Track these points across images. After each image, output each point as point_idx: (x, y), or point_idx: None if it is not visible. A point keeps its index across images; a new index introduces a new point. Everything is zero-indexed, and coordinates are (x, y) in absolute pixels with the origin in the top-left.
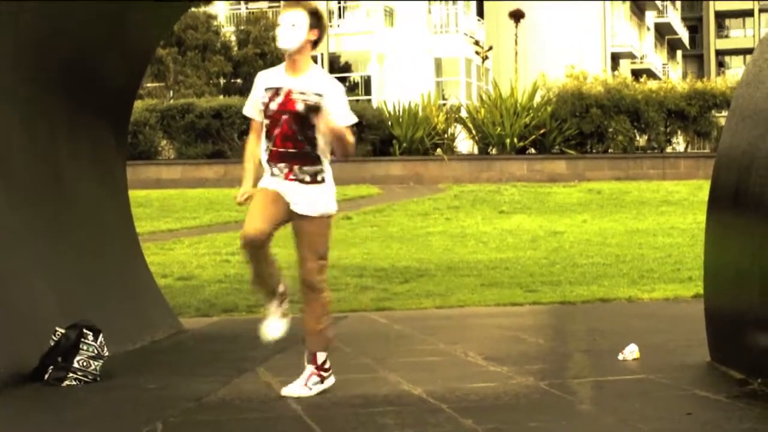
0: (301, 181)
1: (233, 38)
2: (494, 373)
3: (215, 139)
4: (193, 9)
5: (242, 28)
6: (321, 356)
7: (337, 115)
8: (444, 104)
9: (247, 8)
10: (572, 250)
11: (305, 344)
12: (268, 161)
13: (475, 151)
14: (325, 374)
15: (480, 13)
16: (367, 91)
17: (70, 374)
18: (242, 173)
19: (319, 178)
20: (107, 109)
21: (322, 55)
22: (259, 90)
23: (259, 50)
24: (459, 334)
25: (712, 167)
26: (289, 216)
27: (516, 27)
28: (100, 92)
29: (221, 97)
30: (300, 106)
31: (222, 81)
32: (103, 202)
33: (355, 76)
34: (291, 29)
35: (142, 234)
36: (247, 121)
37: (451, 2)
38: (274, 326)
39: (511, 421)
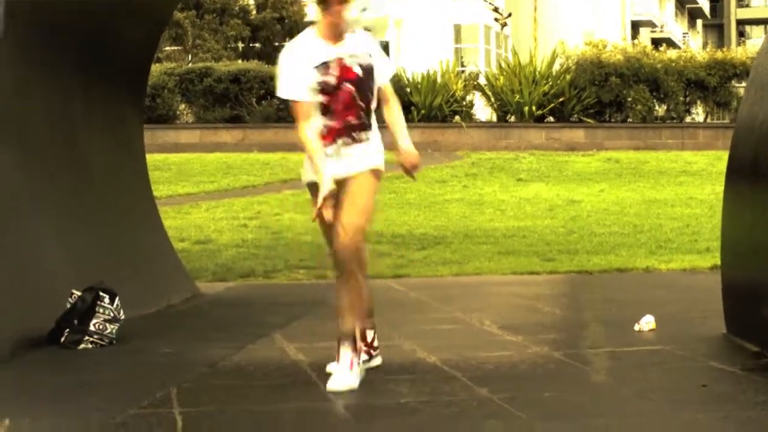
0: (358, 141)
1: (251, 2)
2: (510, 342)
3: (233, 104)
4: None
5: None
6: (370, 333)
7: (385, 72)
8: (463, 71)
9: None
10: (590, 219)
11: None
12: (327, 139)
13: (494, 118)
14: (373, 352)
15: None
16: None
17: (86, 337)
18: (316, 169)
19: (367, 137)
20: (124, 72)
21: None
22: (303, 68)
23: (277, 14)
24: (475, 303)
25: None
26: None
27: None
28: (116, 55)
29: (239, 61)
30: (358, 70)
31: (240, 45)
32: (120, 167)
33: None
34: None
35: (159, 198)
36: (265, 85)
37: None
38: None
39: (526, 391)
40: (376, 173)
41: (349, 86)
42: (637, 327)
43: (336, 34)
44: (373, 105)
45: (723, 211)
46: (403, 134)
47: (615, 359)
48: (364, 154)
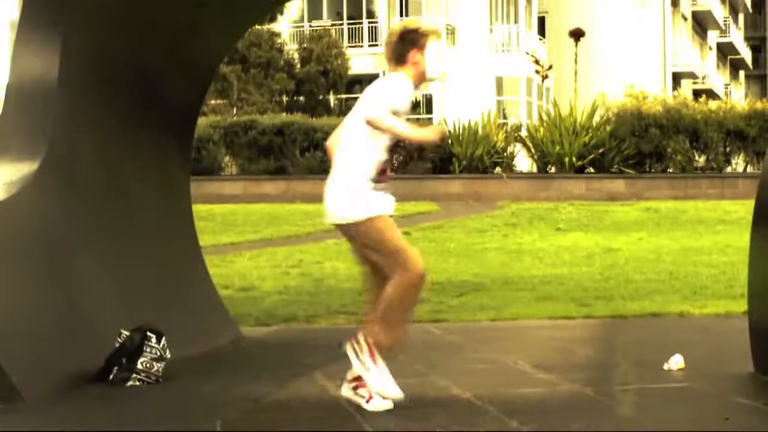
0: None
1: (296, 56)
2: (542, 380)
3: (277, 156)
4: (257, 26)
5: (305, 45)
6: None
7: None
8: (504, 123)
9: (310, 26)
10: (627, 267)
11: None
12: (381, 173)
13: (534, 169)
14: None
15: (541, 31)
16: (429, 110)
17: (134, 375)
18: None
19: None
20: (172, 124)
21: (383, 72)
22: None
23: (321, 68)
24: (510, 345)
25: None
26: None
27: (576, 46)
28: (164, 108)
29: (283, 114)
30: None
31: (284, 98)
32: (167, 213)
33: (416, 94)
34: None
35: (204, 247)
36: (308, 137)
37: (512, 21)
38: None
39: (555, 423)
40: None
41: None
42: (666, 366)
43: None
44: (347, 147)
45: (750, 255)
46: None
47: (642, 395)
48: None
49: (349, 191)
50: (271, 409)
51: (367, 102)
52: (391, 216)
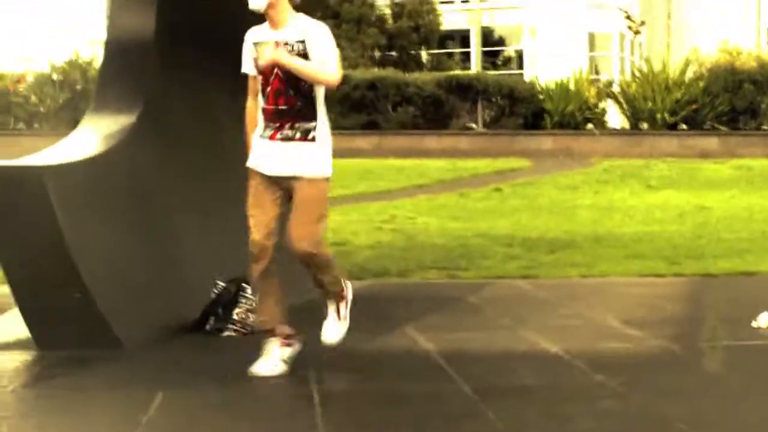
0: (289, 138)
1: (388, 11)
2: (630, 336)
3: (370, 110)
4: None
5: (397, 1)
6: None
7: (317, 60)
8: (597, 79)
9: None
10: (718, 225)
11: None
12: (263, 119)
13: (626, 126)
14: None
15: None
16: (520, 66)
17: (230, 325)
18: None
19: (310, 135)
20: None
21: (474, 28)
22: (247, 44)
23: (413, 23)
24: (600, 301)
25: None
26: (285, 189)
27: (669, 1)
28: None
29: (376, 69)
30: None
31: (377, 53)
32: None
33: (508, 50)
34: None
35: None
36: (401, 92)
37: None
38: (265, 365)
39: (641, 378)
40: (323, 180)
41: (276, 71)
42: (755, 324)
43: (274, 23)
44: (318, 97)
45: None
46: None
47: (729, 351)
48: (309, 156)
49: None
50: (361, 359)
51: None
52: (259, 173)
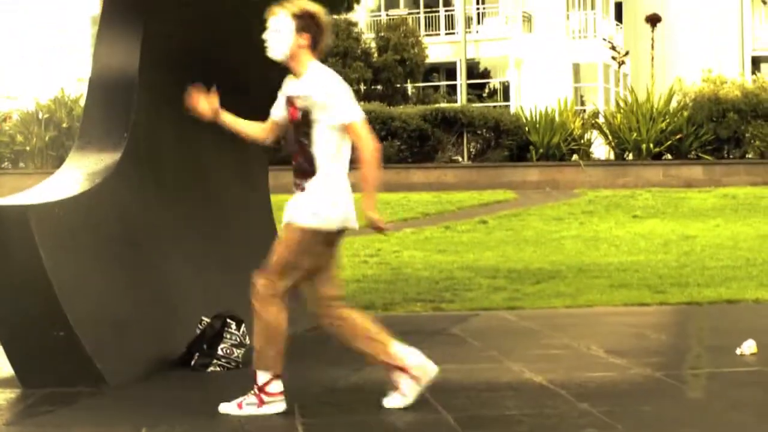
0: (295, 191)
1: (373, 45)
2: (614, 365)
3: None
4: (334, 16)
5: (382, 34)
6: (261, 376)
7: (327, 116)
8: (581, 110)
9: (387, 15)
10: (703, 254)
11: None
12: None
13: (612, 156)
14: (265, 398)
15: (618, 17)
16: (506, 97)
17: (215, 361)
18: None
19: (304, 186)
20: (251, 114)
21: (460, 61)
22: (283, 94)
23: (398, 57)
24: (585, 331)
25: None
26: None
27: (652, 31)
28: (244, 98)
29: (361, 103)
30: (298, 114)
31: (362, 87)
32: (247, 204)
33: (493, 82)
34: (276, 36)
35: None
36: (386, 126)
37: (589, 8)
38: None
39: (625, 405)
40: (295, 228)
41: (291, 127)
42: (738, 351)
43: (294, 74)
44: (317, 151)
45: None
46: (366, 192)
47: (713, 379)
48: (294, 204)
49: None
50: (346, 392)
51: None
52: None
